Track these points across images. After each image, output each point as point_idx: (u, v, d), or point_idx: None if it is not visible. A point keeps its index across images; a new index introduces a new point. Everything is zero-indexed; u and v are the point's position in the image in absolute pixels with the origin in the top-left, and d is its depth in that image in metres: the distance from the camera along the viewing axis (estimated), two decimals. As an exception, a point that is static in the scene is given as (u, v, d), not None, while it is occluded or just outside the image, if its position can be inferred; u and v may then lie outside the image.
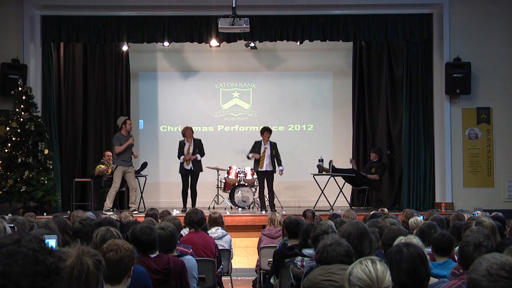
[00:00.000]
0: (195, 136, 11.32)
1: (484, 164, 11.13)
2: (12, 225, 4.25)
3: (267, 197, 11.22)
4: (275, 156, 11.11)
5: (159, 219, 6.85)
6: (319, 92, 13.83)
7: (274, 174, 11.09)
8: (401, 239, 3.78)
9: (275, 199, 11.55)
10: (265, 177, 11.10)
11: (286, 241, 5.71)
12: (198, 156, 11.10)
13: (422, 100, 11.38)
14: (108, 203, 10.60)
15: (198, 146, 11.18)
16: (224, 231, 6.96)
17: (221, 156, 12.87)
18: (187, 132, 11.22)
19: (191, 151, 11.14)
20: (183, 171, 11.08)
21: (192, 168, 11.07)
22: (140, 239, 4.15)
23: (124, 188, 12.07)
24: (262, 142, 11.16)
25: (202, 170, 11.22)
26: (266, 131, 11.20)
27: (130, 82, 13.16)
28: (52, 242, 3.83)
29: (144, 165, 11.79)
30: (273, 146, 11.17)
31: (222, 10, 9.95)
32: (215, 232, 6.87)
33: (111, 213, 10.44)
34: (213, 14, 10.58)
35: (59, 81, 12.09)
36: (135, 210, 10.58)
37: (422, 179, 11.29)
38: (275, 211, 10.40)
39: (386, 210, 8.57)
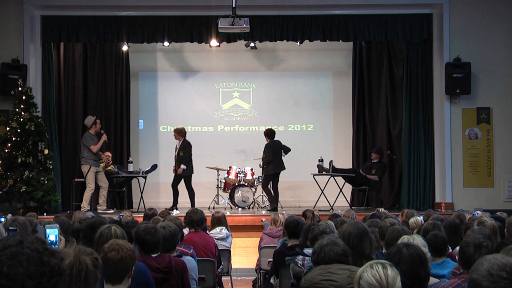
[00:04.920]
0: (194, 137, 11.34)
1: (484, 164, 11.13)
2: (13, 227, 4.24)
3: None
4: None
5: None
6: (319, 92, 13.83)
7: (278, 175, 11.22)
8: (403, 238, 3.79)
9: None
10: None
11: (286, 241, 5.72)
12: (182, 166, 10.99)
13: (422, 100, 11.39)
14: (85, 204, 10.60)
15: (182, 149, 11.08)
16: (228, 231, 6.95)
17: (221, 156, 12.89)
18: (174, 132, 11.24)
19: (176, 153, 11.15)
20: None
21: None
22: (143, 239, 4.16)
23: (124, 189, 12.14)
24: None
25: (192, 172, 11.15)
26: (264, 135, 11.39)
27: (130, 82, 13.15)
28: (53, 235, 3.82)
29: (154, 166, 11.70)
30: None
31: (222, 10, 9.94)
32: (219, 232, 6.84)
33: (111, 211, 10.45)
34: (213, 14, 10.58)
35: (59, 81, 12.07)
36: (107, 209, 10.67)
37: (422, 179, 11.29)
38: (271, 210, 10.50)
39: (381, 210, 8.56)
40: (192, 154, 11.25)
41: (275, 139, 11.33)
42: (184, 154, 11.04)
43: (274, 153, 11.16)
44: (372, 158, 12.04)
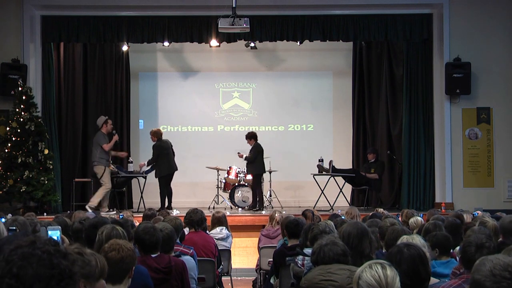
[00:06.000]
0: (194, 137, 11.33)
1: (484, 164, 11.13)
2: (13, 227, 4.22)
3: (267, 196, 11.35)
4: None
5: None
6: (319, 92, 13.83)
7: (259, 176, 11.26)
8: (403, 238, 3.79)
9: (275, 199, 11.62)
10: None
11: (286, 241, 5.72)
12: (143, 162, 11.15)
13: (422, 100, 11.38)
14: (95, 200, 10.61)
15: (152, 150, 11.06)
16: (228, 231, 6.95)
17: (221, 156, 12.87)
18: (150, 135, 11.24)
19: None
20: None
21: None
22: (142, 239, 4.15)
23: (125, 189, 12.14)
24: None
25: (166, 173, 11.04)
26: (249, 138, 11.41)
27: (130, 82, 13.15)
28: (54, 236, 3.81)
29: (154, 167, 11.67)
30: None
31: (222, 10, 9.94)
32: (220, 232, 6.84)
33: (113, 212, 10.44)
34: (213, 14, 10.58)
35: (59, 81, 12.07)
36: (109, 210, 10.67)
37: (422, 179, 11.28)
38: (257, 209, 10.56)
39: (381, 210, 8.56)
40: (171, 154, 11.16)
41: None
42: (153, 155, 11.01)
43: (255, 154, 11.17)
44: (369, 158, 12.07)
